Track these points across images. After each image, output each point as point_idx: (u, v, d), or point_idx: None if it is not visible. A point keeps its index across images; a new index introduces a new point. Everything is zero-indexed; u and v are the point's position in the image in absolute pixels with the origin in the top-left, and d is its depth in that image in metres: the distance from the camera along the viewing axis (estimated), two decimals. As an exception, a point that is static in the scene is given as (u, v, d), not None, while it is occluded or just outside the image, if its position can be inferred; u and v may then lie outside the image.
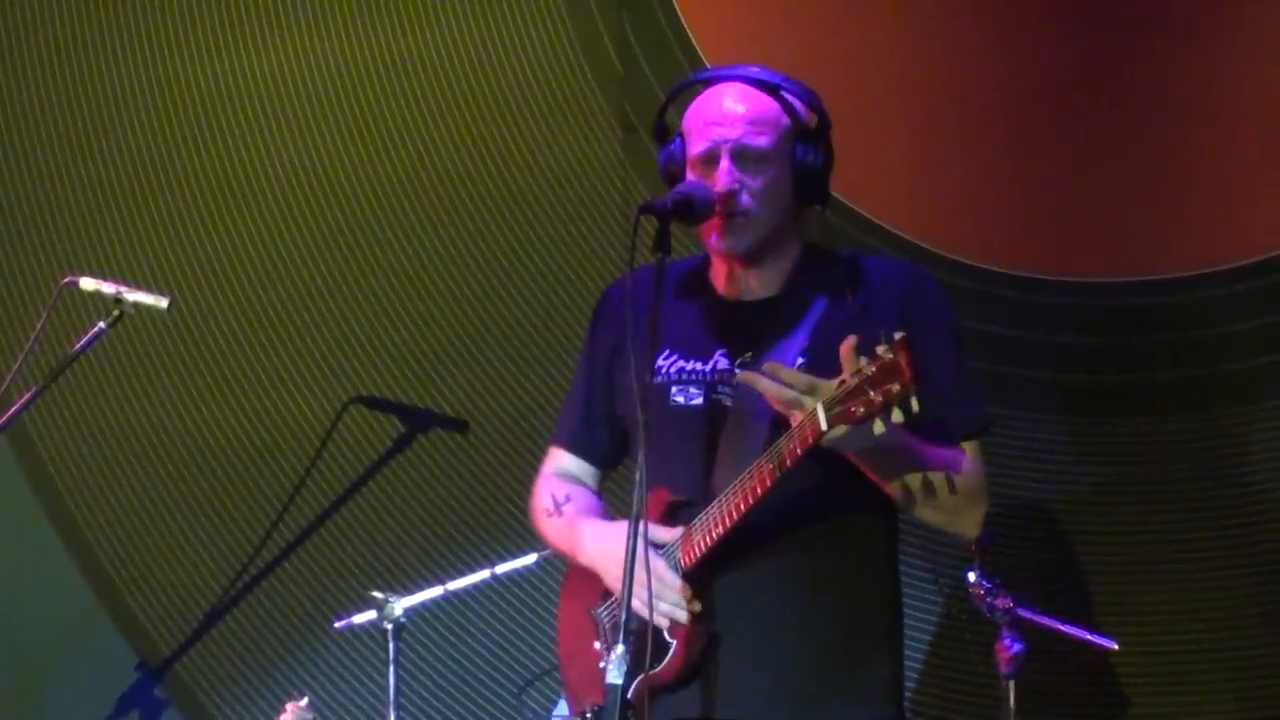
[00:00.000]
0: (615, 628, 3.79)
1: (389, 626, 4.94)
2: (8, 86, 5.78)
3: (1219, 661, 5.13)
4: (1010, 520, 5.16)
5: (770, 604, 3.77)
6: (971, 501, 3.84)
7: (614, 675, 3.46)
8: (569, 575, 4.03)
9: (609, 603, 3.86)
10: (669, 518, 3.79)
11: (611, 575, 3.80)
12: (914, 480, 3.73)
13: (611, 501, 4.15)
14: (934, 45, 5.39)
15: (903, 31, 5.40)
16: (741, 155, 3.78)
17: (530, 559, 5.04)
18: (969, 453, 3.81)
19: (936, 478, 3.74)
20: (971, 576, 4.68)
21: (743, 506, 3.67)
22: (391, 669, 4.94)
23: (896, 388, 3.46)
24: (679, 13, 5.52)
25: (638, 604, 3.55)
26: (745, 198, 3.78)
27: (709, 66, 5.40)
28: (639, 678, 3.61)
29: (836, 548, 3.79)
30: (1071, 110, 5.27)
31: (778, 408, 3.63)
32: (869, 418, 3.49)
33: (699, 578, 3.75)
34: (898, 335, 3.48)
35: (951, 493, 3.76)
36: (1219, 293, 5.16)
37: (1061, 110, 5.27)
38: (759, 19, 5.52)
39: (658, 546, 3.74)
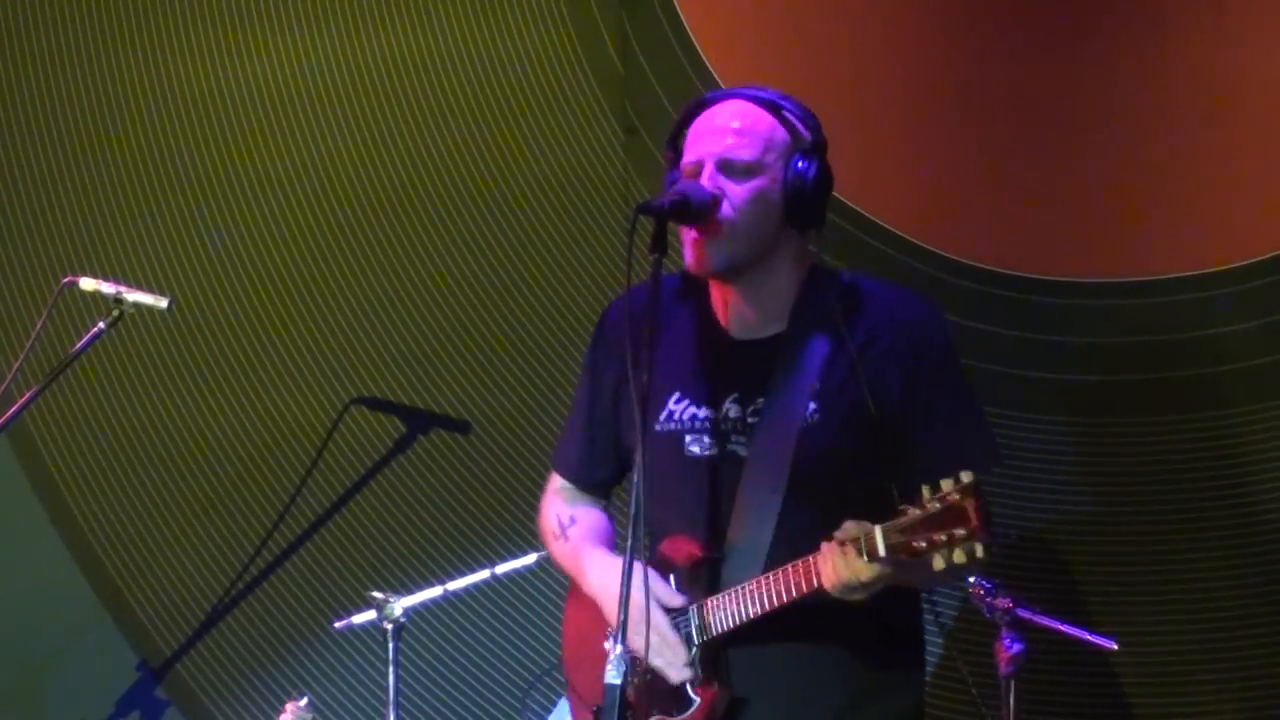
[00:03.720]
0: (635, 660, 3.80)
1: (389, 626, 4.93)
2: (8, 86, 5.79)
3: (1219, 661, 5.12)
4: (1010, 521, 5.16)
5: (787, 678, 3.77)
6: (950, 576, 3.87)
7: (612, 676, 3.47)
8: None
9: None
10: (694, 571, 3.78)
11: (610, 613, 3.78)
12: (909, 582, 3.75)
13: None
14: (935, 44, 5.39)
15: (904, 30, 5.40)
16: (726, 166, 3.76)
17: (530, 559, 5.05)
18: None
19: (930, 581, 3.77)
20: (971, 577, 4.68)
21: (784, 598, 3.66)
22: (391, 669, 4.94)
23: (962, 532, 3.47)
24: (680, 13, 5.52)
25: (639, 645, 3.59)
26: (725, 207, 3.75)
27: (709, 67, 5.42)
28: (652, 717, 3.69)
29: (860, 619, 3.75)
30: (1073, 110, 5.27)
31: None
32: (930, 553, 3.49)
33: (721, 642, 3.76)
34: (965, 478, 3.48)
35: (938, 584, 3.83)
36: (1219, 293, 5.16)
37: (1062, 110, 5.27)
38: (760, 20, 5.52)
39: (667, 610, 3.76)
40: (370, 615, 4.98)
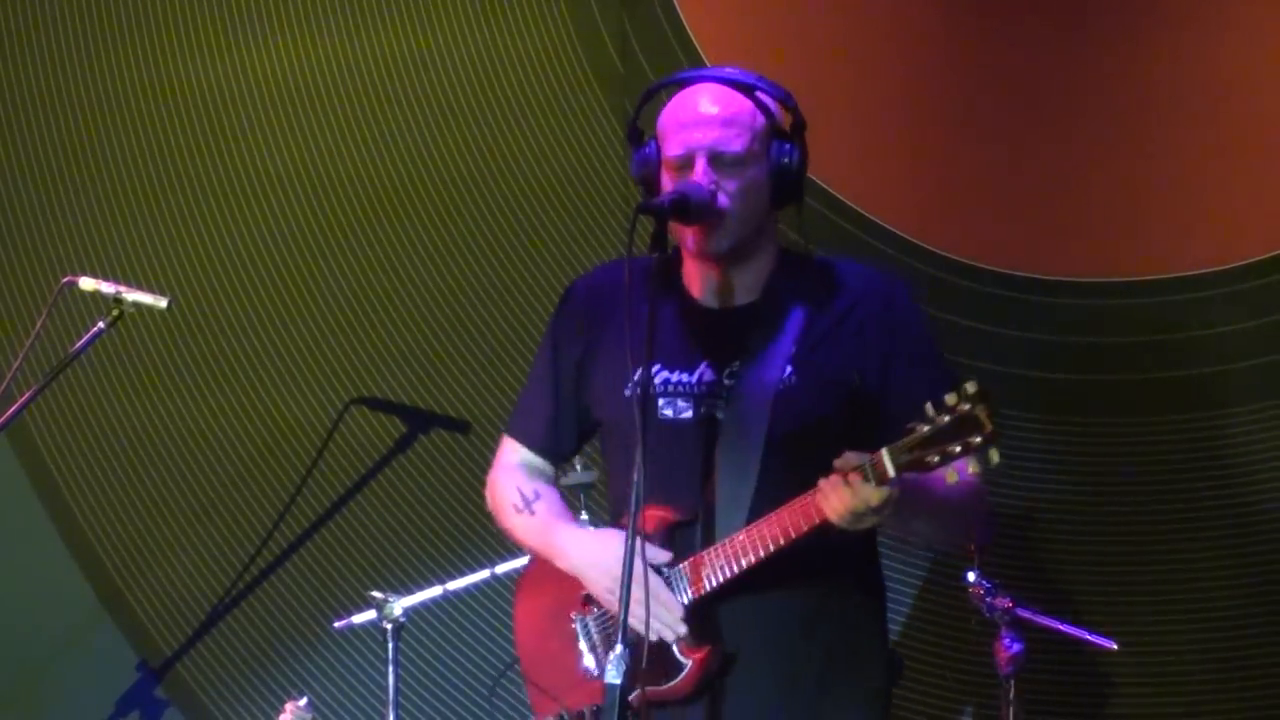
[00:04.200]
0: (607, 637, 3.80)
1: (388, 626, 4.94)
2: (8, 86, 5.78)
3: (1218, 661, 5.12)
4: (1009, 520, 5.16)
5: (772, 627, 3.77)
6: (963, 521, 3.89)
7: (613, 675, 3.46)
8: (532, 574, 4.02)
9: (601, 611, 3.86)
10: (667, 536, 3.79)
11: (601, 586, 3.81)
12: (912, 521, 3.74)
13: (591, 509, 4.13)
14: (935, 45, 5.39)
15: (902, 30, 5.40)
16: (717, 159, 3.77)
17: (530, 559, 5.04)
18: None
19: (935, 513, 3.75)
20: (971, 576, 4.68)
21: (781, 541, 3.66)
22: (391, 669, 4.94)
23: (977, 439, 3.48)
24: (680, 13, 5.52)
25: (635, 621, 3.55)
26: (722, 199, 3.77)
27: (709, 65, 5.42)
28: (637, 690, 3.62)
29: (832, 569, 3.78)
30: (1071, 111, 5.27)
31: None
32: (943, 465, 3.50)
33: (707, 599, 3.75)
34: (971, 388, 3.48)
35: (946, 521, 3.80)
36: (1219, 293, 5.16)
37: (1061, 111, 5.27)
38: (759, 19, 5.52)
39: (655, 568, 3.74)
40: (370, 615, 4.98)
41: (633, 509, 3.53)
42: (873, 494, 3.55)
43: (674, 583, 3.76)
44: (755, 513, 3.71)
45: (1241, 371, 5.17)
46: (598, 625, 3.85)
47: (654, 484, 3.71)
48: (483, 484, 4.28)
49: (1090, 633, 4.73)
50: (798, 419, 3.75)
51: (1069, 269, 5.25)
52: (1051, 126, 5.28)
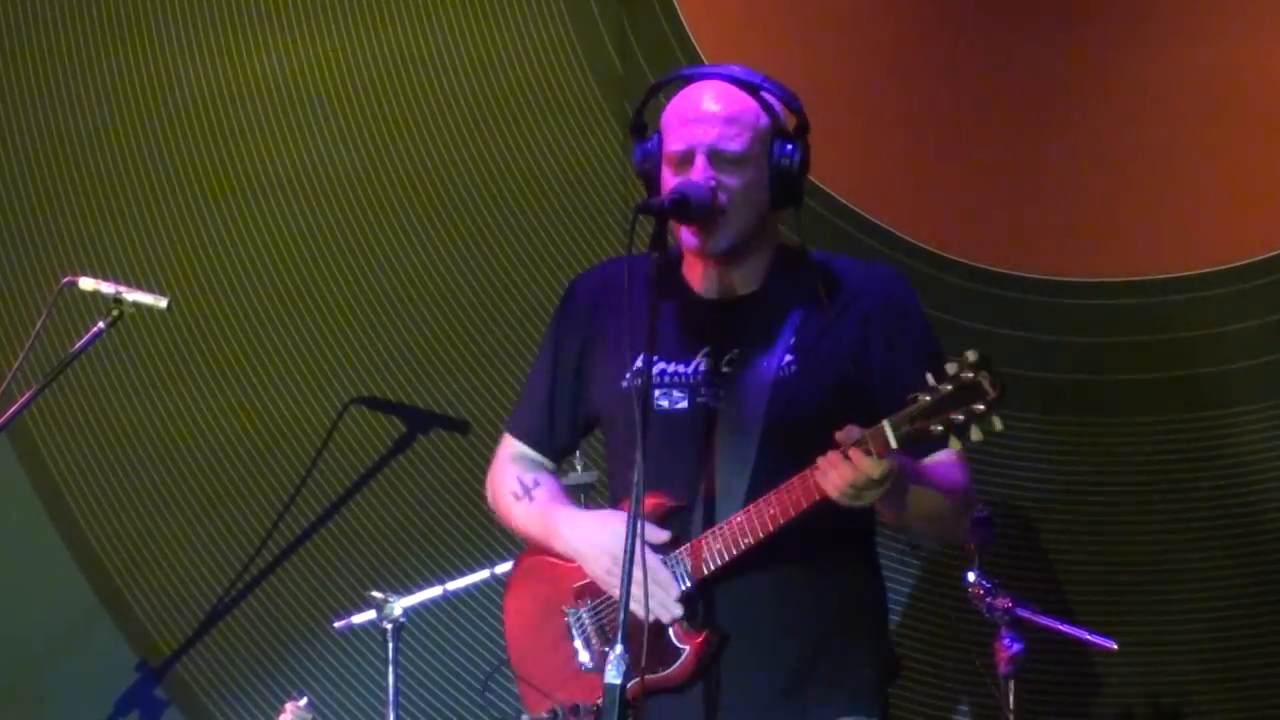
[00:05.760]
0: (602, 629, 3.81)
1: (388, 626, 4.94)
2: (8, 85, 5.79)
3: (1218, 661, 5.13)
4: (1010, 520, 5.16)
5: (763, 609, 3.77)
6: (961, 512, 3.87)
7: (612, 675, 3.46)
8: (521, 571, 4.02)
9: (595, 604, 3.86)
10: (665, 522, 3.79)
11: (599, 567, 3.82)
12: (914, 506, 3.72)
13: (595, 499, 4.14)
14: (934, 45, 5.39)
15: (903, 31, 5.41)
16: (717, 156, 3.79)
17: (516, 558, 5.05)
18: (955, 459, 3.79)
19: (935, 501, 3.75)
20: (971, 576, 4.69)
21: (780, 520, 3.66)
22: (391, 669, 4.94)
23: (980, 407, 3.47)
24: (680, 13, 5.52)
25: (634, 604, 3.54)
26: (722, 196, 3.79)
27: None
28: (635, 679, 3.62)
29: (826, 553, 3.79)
30: (1071, 110, 5.27)
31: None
32: (946, 435, 3.50)
33: (707, 583, 3.75)
34: (972, 355, 3.49)
35: (948, 509, 3.79)
36: (1219, 293, 5.16)
37: (1061, 110, 5.28)
38: (759, 19, 5.53)
39: (654, 547, 3.74)
40: (370, 615, 4.98)
41: (634, 498, 3.53)
42: (874, 466, 3.55)
43: (673, 567, 3.76)
44: (751, 499, 3.72)
45: (1241, 371, 5.17)
46: (591, 618, 3.85)
47: (653, 475, 3.71)
48: (483, 483, 4.29)
49: (1090, 633, 4.73)
50: (795, 407, 3.76)
51: (1069, 269, 5.25)
52: (1051, 127, 5.28)
